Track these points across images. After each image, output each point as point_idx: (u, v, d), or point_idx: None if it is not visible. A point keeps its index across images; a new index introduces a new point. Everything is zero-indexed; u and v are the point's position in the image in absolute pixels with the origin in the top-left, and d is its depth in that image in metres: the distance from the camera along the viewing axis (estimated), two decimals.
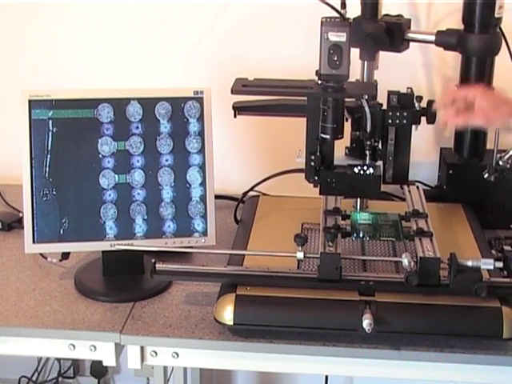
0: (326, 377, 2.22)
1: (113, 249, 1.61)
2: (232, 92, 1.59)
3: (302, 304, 1.45)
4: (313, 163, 1.62)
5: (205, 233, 1.65)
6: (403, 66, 1.87)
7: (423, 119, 1.65)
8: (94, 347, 1.51)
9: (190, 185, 1.64)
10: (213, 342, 1.47)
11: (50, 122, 1.58)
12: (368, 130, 1.63)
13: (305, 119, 1.61)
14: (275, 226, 1.76)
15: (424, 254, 1.47)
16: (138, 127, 1.61)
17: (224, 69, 1.97)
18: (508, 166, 1.72)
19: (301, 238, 1.49)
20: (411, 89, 1.68)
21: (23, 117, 1.57)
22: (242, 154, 2.14)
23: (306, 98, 1.61)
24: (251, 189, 1.93)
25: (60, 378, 2.51)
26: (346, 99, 1.61)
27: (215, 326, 1.48)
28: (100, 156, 1.60)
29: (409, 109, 1.64)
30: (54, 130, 1.58)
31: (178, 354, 1.51)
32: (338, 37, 1.51)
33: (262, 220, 1.80)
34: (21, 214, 1.88)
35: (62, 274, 1.69)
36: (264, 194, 1.97)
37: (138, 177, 1.62)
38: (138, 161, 1.62)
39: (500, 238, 1.72)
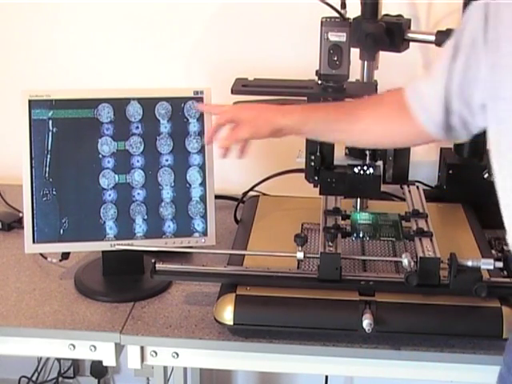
0: (326, 377, 2.21)
1: (113, 249, 1.61)
2: (232, 92, 1.59)
3: (302, 304, 1.45)
4: (313, 163, 1.62)
5: (205, 233, 1.65)
6: (403, 66, 1.87)
7: None
8: (94, 347, 1.51)
9: (190, 185, 1.64)
10: (213, 342, 1.47)
11: (50, 121, 1.58)
12: None
13: None
14: (275, 225, 1.76)
15: (424, 254, 1.47)
16: (138, 127, 1.61)
17: (224, 69, 1.97)
18: None
19: (301, 238, 1.49)
20: None
21: (23, 117, 1.57)
22: None
23: (305, 98, 1.61)
24: (251, 189, 1.93)
25: (60, 378, 2.51)
26: (346, 99, 1.61)
27: (215, 326, 1.48)
28: (100, 156, 1.60)
29: None
30: (54, 130, 1.58)
31: (178, 354, 1.51)
32: (338, 37, 1.51)
33: (262, 220, 1.80)
34: (21, 214, 1.88)
35: (62, 274, 1.69)
36: (264, 194, 1.97)
37: (137, 177, 1.62)
38: (137, 161, 1.61)
39: (500, 238, 1.72)
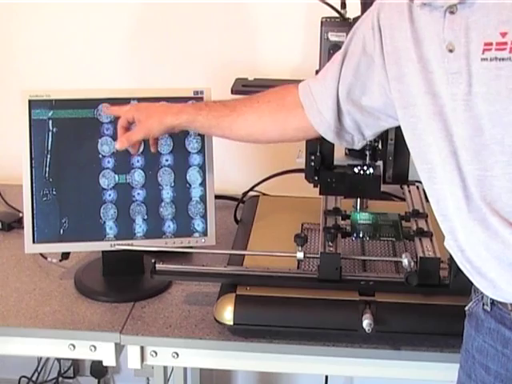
0: (326, 377, 2.22)
1: (113, 249, 1.61)
2: (232, 92, 1.59)
3: (301, 304, 1.45)
4: (313, 163, 1.62)
5: (205, 233, 1.65)
6: None
7: None
8: (94, 347, 1.51)
9: (190, 185, 1.64)
10: (213, 341, 1.47)
11: (50, 121, 1.58)
12: None
13: None
14: (275, 225, 1.76)
15: (424, 254, 1.47)
16: None
17: (224, 69, 1.97)
18: None
19: (301, 238, 1.49)
20: None
21: (23, 117, 1.57)
22: (241, 154, 2.14)
23: None
24: (251, 189, 1.93)
25: (60, 378, 2.51)
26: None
27: (215, 326, 1.48)
28: (100, 156, 1.60)
29: None
30: (54, 130, 1.58)
31: (178, 354, 1.51)
32: (338, 37, 1.51)
33: (261, 220, 1.80)
34: (21, 214, 1.88)
35: (62, 274, 1.69)
36: (264, 194, 1.97)
37: (138, 177, 1.62)
38: (137, 161, 1.61)
39: None
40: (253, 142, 1.51)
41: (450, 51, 1.11)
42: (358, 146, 1.40)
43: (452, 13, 1.10)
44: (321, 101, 1.34)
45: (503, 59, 1.07)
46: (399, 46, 1.19)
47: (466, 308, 1.26)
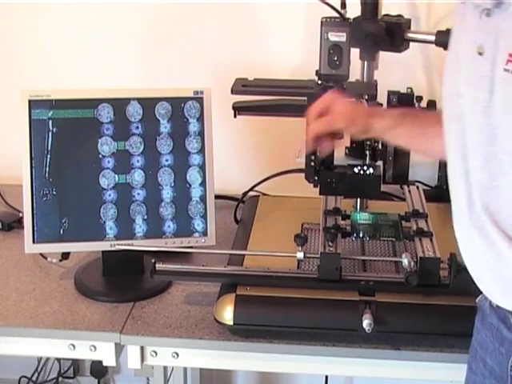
0: (326, 377, 2.21)
1: (113, 249, 1.61)
2: (232, 92, 1.59)
3: (301, 304, 1.45)
4: (313, 163, 1.62)
5: (205, 233, 1.65)
6: (403, 66, 1.87)
7: None
8: (94, 347, 1.51)
9: (190, 185, 1.64)
10: (213, 342, 1.47)
11: (50, 122, 1.58)
12: None
13: (305, 119, 1.61)
14: (275, 225, 1.76)
15: (424, 254, 1.47)
16: (138, 127, 1.61)
17: (224, 69, 1.97)
18: None
19: (301, 237, 1.49)
20: (411, 89, 1.68)
21: (23, 117, 1.57)
22: (241, 154, 2.14)
23: (305, 98, 1.61)
24: (251, 189, 1.93)
25: (60, 378, 2.51)
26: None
27: (215, 326, 1.48)
28: (100, 156, 1.60)
29: None
30: (54, 130, 1.58)
31: (178, 354, 1.51)
32: (338, 37, 1.51)
33: (262, 220, 1.80)
34: (21, 214, 1.88)
35: (62, 274, 1.69)
36: (264, 194, 1.97)
37: (138, 177, 1.62)
38: (138, 161, 1.61)
39: None
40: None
41: (480, 54, 1.09)
42: None
43: (488, 15, 1.08)
44: None
45: None
46: (451, 42, 1.18)
47: (477, 300, 1.27)
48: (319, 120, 1.42)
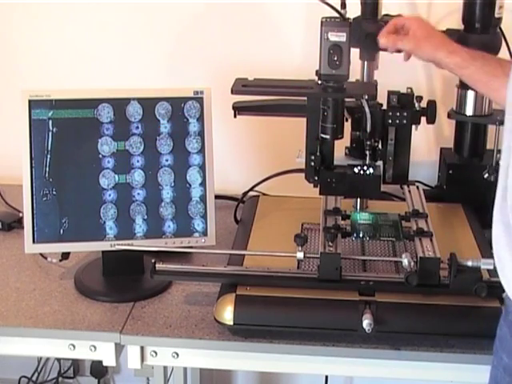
0: (326, 377, 2.22)
1: (113, 249, 1.61)
2: (232, 92, 1.59)
3: (301, 304, 1.45)
4: (313, 163, 1.62)
5: (205, 233, 1.65)
6: (403, 66, 1.87)
7: (423, 119, 1.65)
8: (94, 347, 1.51)
9: (190, 185, 1.64)
10: (213, 342, 1.47)
11: (50, 121, 1.58)
12: (368, 130, 1.63)
13: (305, 119, 1.61)
14: (275, 225, 1.76)
15: (424, 254, 1.47)
16: (138, 127, 1.61)
17: (224, 69, 1.97)
18: None
19: (301, 238, 1.49)
20: (411, 89, 1.68)
21: (23, 117, 1.57)
22: (242, 154, 2.14)
23: (305, 98, 1.61)
24: (251, 189, 1.93)
25: (60, 378, 2.51)
26: (346, 99, 1.61)
27: (215, 326, 1.48)
28: (100, 156, 1.60)
29: (409, 109, 1.64)
30: (54, 129, 1.58)
31: (178, 354, 1.51)
32: (338, 37, 1.51)
33: (261, 220, 1.80)
34: (21, 214, 1.88)
35: (62, 274, 1.69)
36: (264, 194, 1.97)
37: (138, 177, 1.62)
38: (138, 161, 1.61)
39: None
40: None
41: None
42: None
43: None
44: None
45: None
46: None
47: (504, 295, 1.28)
48: (390, 36, 1.50)
